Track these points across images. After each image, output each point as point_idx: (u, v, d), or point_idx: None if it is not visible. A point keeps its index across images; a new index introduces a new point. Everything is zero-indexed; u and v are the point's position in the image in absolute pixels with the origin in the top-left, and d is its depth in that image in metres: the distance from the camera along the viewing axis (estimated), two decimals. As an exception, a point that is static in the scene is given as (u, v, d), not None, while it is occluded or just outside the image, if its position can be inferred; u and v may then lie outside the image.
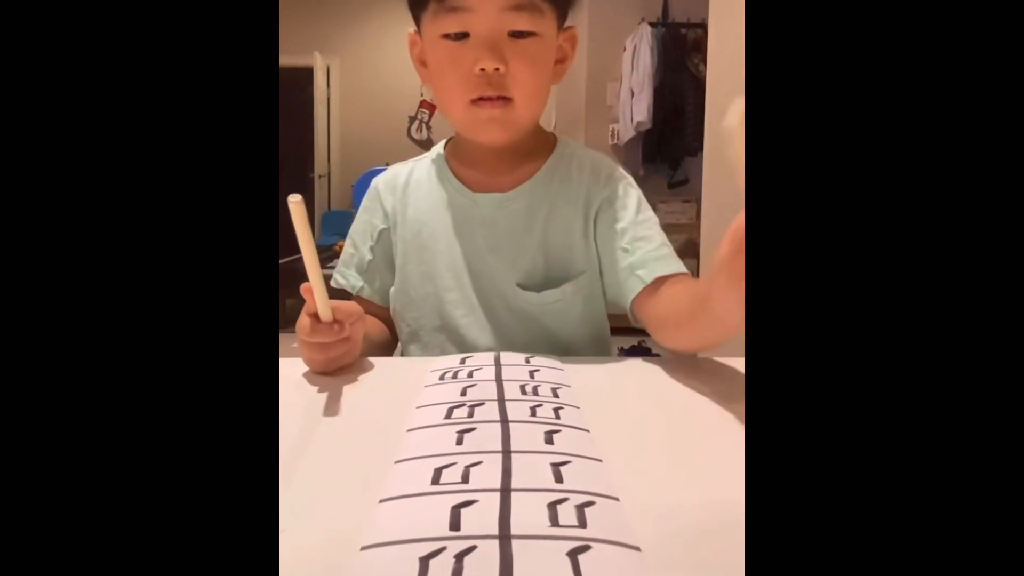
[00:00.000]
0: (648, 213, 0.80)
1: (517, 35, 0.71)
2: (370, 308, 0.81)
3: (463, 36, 0.71)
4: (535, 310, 0.78)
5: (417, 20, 0.77)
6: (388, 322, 0.84)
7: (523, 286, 0.78)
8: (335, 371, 0.65)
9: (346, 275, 0.84)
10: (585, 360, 0.72)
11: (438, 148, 0.86)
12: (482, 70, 0.71)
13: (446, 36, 0.72)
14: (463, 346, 0.78)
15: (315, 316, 0.62)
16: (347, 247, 0.86)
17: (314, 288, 0.61)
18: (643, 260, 0.75)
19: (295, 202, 0.53)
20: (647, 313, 0.73)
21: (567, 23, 0.78)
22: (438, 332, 0.79)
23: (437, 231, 0.80)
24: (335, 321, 0.62)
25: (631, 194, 0.80)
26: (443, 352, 0.78)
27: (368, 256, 0.83)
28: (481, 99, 0.72)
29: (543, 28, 0.73)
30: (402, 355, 0.85)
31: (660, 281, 0.73)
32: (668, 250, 0.76)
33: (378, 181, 0.86)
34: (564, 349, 0.78)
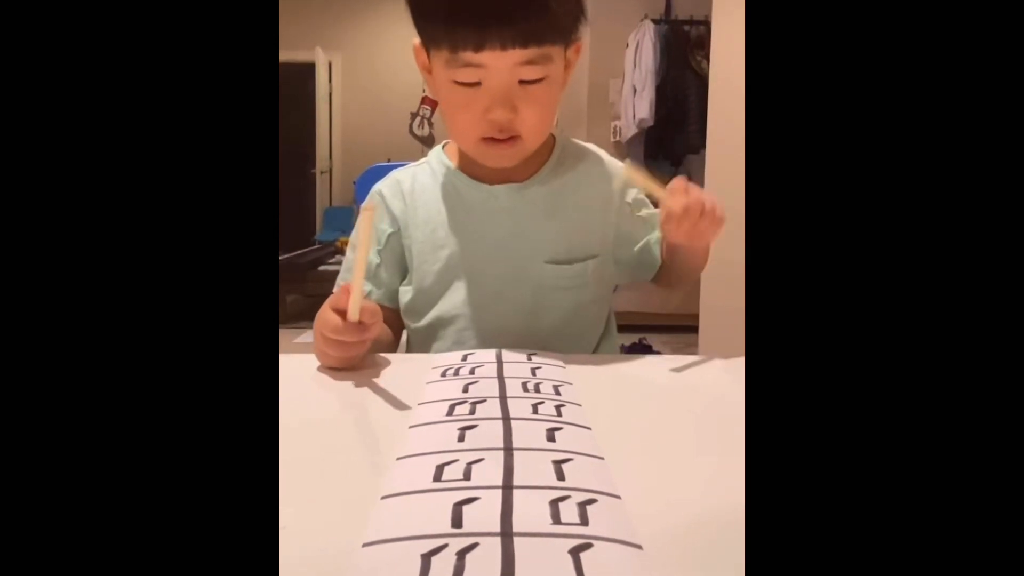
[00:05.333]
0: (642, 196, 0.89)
1: (527, 81, 0.73)
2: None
3: (475, 83, 0.73)
4: (559, 286, 0.81)
5: (427, 49, 0.77)
6: (391, 323, 0.85)
7: (552, 263, 0.81)
8: (346, 368, 0.65)
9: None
10: (586, 358, 0.72)
11: (436, 153, 0.87)
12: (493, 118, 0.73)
13: (458, 83, 0.73)
14: (485, 335, 0.80)
15: (342, 315, 0.64)
16: (349, 253, 0.87)
17: (354, 289, 0.63)
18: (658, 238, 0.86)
19: (367, 209, 0.65)
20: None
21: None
22: (458, 321, 0.81)
23: (455, 228, 0.82)
24: (360, 322, 0.64)
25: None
26: (464, 343, 0.79)
27: (375, 260, 0.84)
28: (492, 139, 0.75)
29: (552, 70, 0.74)
30: (409, 350, 0.86)
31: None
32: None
33: (381, 187, 0.87)
34: (581, 331, 0.83)
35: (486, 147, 0.76)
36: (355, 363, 0.66)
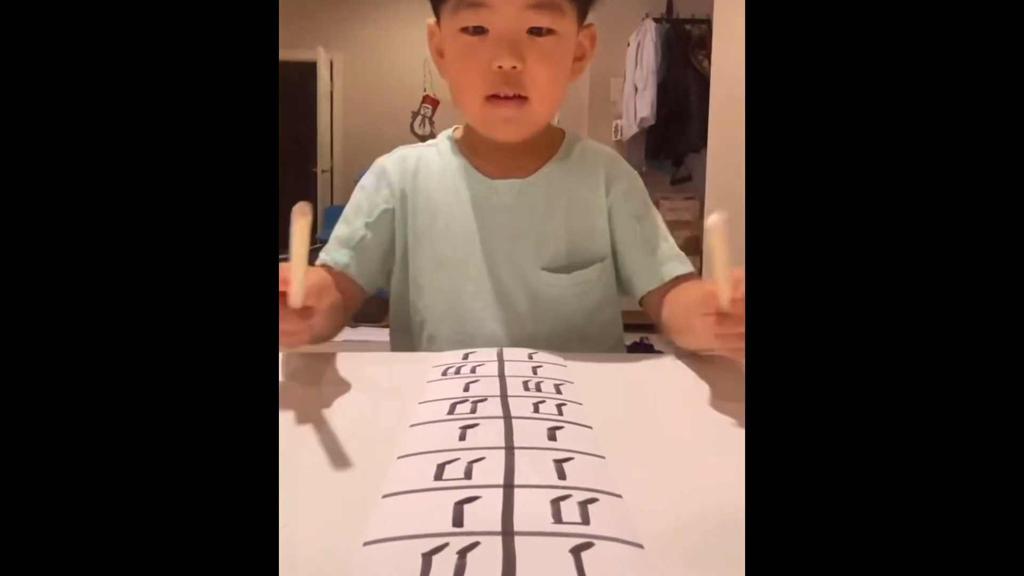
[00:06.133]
0: (655, 210, 0.85)
1: (536, 32, 0.71)
2: (346, 285, 0.77)
3: (482, 31, 0.71)
4: (558, 294, 0.78)
5: (436, 11, 0.76)
6: (349, 293, 0.78)
7: (549, 270, 0.79)
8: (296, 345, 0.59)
9: (331, 252, 0.80)
10: (588, 357, 0.72)
11: (445, 135, 0.85)
12: (499, 67, 0.71)
13: (464, 30, 0.72)
14: (478, 338, 0.77)
15: (283, 297, 0.55)
16: (339, 226, 0.82)
17: (293, 269, 0.53)
18: (664, 258, 0.80)
19: (302, 214, 0.49)
20: (656, 309, 0.79)
21: (587, 21, 0.78)
22: (451, 323, 0.79)
23: (454, 219, 0.79)
24: (305, 307, 0.56)
25: (643, 189, 0.85)
26: (454, 344, 0.77)
27: (361, 231, 0.79)
28: (497, 97, 0.73)
29: (563, 26, 0.72)
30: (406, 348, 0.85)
31: (674, 280, 0.79)
32: (678, 249, 0.83)
33: (385, 161, 0.84)
34: (582, 338, 0.80)
35: (492, 108, 0.73)
36: (306, 342, 0.59)
